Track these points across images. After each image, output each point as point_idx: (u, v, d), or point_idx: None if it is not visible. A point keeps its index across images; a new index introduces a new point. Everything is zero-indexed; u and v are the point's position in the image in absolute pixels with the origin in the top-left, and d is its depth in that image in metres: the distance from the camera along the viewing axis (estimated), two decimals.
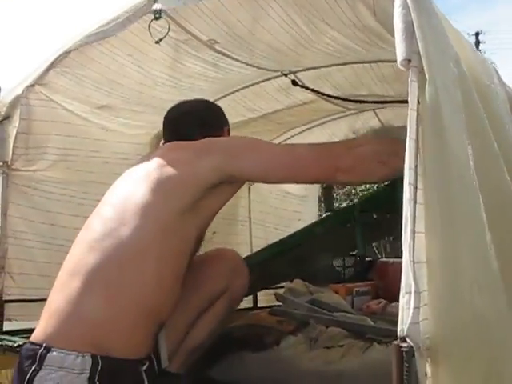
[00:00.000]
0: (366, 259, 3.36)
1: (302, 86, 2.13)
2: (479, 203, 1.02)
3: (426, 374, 0.96)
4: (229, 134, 1.74)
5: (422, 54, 1.03)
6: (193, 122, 1.70)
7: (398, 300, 2.90)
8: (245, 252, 2.59)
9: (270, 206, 3.26)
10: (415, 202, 0.99)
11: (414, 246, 0.98)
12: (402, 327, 0.96)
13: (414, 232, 0.98)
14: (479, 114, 1.17)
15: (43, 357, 1.27)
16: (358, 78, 2.05)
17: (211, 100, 2.26)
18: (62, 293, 1.37)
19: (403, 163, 1.41)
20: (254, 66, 1.95)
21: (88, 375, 1.26)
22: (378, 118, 2.76)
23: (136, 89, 2.09)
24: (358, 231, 1.95)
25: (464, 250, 0.99)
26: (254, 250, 3.01)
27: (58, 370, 1.26)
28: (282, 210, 3.33)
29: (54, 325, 1.32)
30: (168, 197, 1.44)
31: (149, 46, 1.79)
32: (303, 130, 2.87)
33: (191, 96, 2.22)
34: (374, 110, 2.67)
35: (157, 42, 1.57)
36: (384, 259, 3.29)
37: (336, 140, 2.98)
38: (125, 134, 2.39)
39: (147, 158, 1.60)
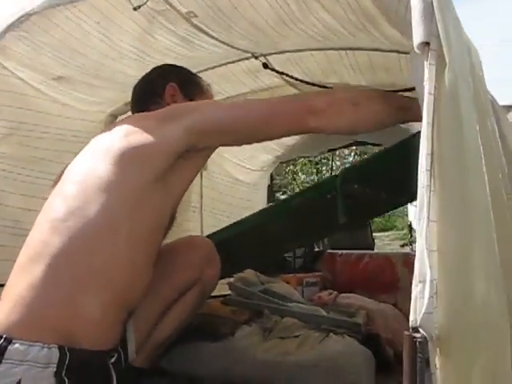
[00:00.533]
0: (315, 249, 3.38)
1: (273, 70, 2.07)
2: (488, 196, 1.01)
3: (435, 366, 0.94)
4: (179, 89, 1.67)
5: (442, 37, 0.99)
6: (142, 89, 1.69)
7: (346, 291, 2.92)
8: None
9: (220, 193, 3.18)
10: (430, 189, 0.96)
11: (429, 234, 0.94)
12: (415, 317, 0.93)
13: (429, 219, 0.94)
14: (487, 108, 1.16)
15: (3, 349, 1.13)
16: (330, 65, 2.01)
17: None
18: (23, 279, 1.23)
19: (376, 106, 1.42)
20: (228, 45, 1.87)
21: (54, 369, 1.14)
22: None
23: (98, 60, 1.95)
24: (339, 201, 1.87)
25: (476, 241, 0.97)
26: None
27: (20, 363, 1.12)
28: (231, 197, 3.26)
29: (16, 314, 1.19)
30: (134, 168, 1.34)
31: (121, 14, 1.67)
32: None
33: None
34: None
35: (135, 9, 1.46)
36: (332, 250, 3.31)
37: None
38: (79, 109, 2.24)
39: (107, 130, 1.49)
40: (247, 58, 2.09)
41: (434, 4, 1.00)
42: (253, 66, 2.14)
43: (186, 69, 1.75)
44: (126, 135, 1.37)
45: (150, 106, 1.59)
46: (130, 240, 1.29)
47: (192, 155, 1.41)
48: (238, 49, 1.93)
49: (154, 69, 1.76)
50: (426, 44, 1.01)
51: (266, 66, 2.07)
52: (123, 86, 2.12)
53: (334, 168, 18.13)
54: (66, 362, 1.15)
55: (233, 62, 2.11)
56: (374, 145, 3.15)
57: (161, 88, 1.66)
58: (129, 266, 1.29)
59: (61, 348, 1.15)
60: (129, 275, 1.29)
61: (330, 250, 3.34)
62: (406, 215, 19.40)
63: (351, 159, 19.84)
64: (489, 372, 0.97)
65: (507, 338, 1.02)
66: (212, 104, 1.53)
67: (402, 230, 16.86)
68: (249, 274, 2.79)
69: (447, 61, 0.98)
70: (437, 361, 0.94)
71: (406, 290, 2.99)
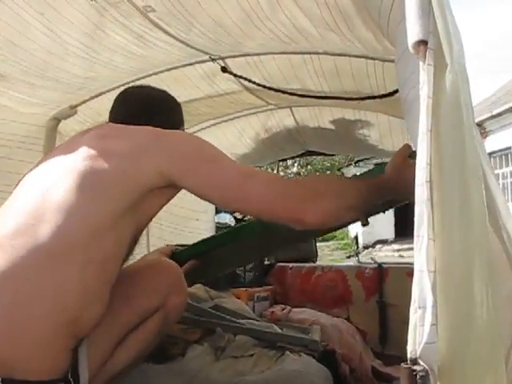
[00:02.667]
0: (265, 263, 3.27)
1: (232, 74, 1.95)
2: (485, 213, 0.93)
3: None
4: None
5: (441, 35, 0.90)
6: (146, 107, 1.46)
7: (297, 305, 2.81)
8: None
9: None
10: (431, 202, 0.86)
11: (430, 253, 0.84)
12: (415, 347, 0.83)
13: (429, 237, 0.84)
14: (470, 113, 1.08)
15: None
16: (293, 70, 1.91)
17: (126, 81, 2.02)
18: None
19: (369, 206, 1.30)
20: (186, 44, 1.73)
21: None
22: (294, 117, 2.66)
23: (41, 57, 1.77)
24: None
25: (477, 261, 0.88)
26: (151, 249, 2.79)
27: None
28: (179, 208, 3.12)
29: None
30: (100, 196, 1.20)
31: (68, 4, 1.51)
32: (211, 125, 2.68)
33: (102, 73, 1.95)
34: (290, 107, 2.56)
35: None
36: (282, 263, 3.21)
37: (246, 136, 2.86)
38: (18, 111, 2.04)
39: (74, 142, 1.34)
40: (204, 61, 1.96)
41: None
42: (209, 69, 2.01)
43: None
44: (97, 156, 1.23)
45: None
46: (84, 267, 1.16)
47: (168, 187, 1.27)
48: (195, 49, 1.79)
49: (169, 98, 1.56)
50: (422, 43, 0.92)
51: (224, 69, 1.95)
52: (68, 87, 1.95)
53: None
54: None
55: (189, 65, 1.97)
56: (325, 155, 3.08)
57: (174, 125, 1.47)
58: (81, 293, 1.16)
59: None
60: (80, 302, 1.16)
61: (280, 263, 3.24)
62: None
63: (295, 170, 20.07)
64: None
65: (503, 365, 0.94)
66: (201, 164, 1.27)
67: (343, 239, 17.09)
68: (198, 289, 2.65)
69: (448, 61, 0.89)
70: None
71: (358, 304, 2.95)
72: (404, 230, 17.33)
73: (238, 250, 2.00)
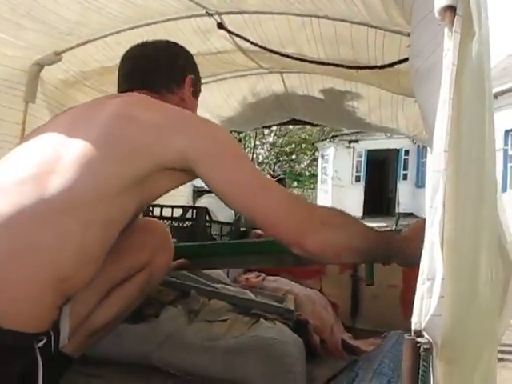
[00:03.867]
0: (241, 229, 3.25)
1: (227, 31, 1.88)
2: (495, 192, 0.91)
3: None
4: (192, 85, 1.46)
5: (471, 1, 0.86)
6: (157, 67, 1.42)
7: (271, 274, 2.79)
8: None
9: None
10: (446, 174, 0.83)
11: (443, 224, 0.81)
12: (420, 319, 0.81)
13: (444, 206, 0.82)
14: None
15: None
16: (290, 33, 1.85)
17: (116, 30, 1.93)
18: None
19: (372, 256, 1.28)
20: None
21: None
22: (284, 83, 2.61)
23: None
24: None
25: (485, 236, 0.87)
26: None
27: None
28: None
29: None
30: (116, 158, 1.16)
31: None
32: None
33: (93, 19, 1.87)
34: (281, 73, 2.51)
35: None
36: (258, 230, 3.18)
37: (233, 99, 2.80)
38: (0, 53, 1.94)
39: (101, 103, 1.29)
40: (200, 15, 1.88)
41: None
42: (205, 25, 1.94)
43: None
44: (126, 121, 1.20)
45: (163, 91, 1.40)
46: (87, 226, 1.12)
47: (181, 172, 1.23)
48: (193, 1, 1.72)
49: (173, 46, 1.51)
50: (450, 8, 0.88)
51: (220, 25, 1.88)
52: (56, 32, 1.86)
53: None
54: None
55: (184, 18, 1.89)
56: (311, 124, 3.05)
57: (181, 76, 1.44)
58: (78, 252, 1.12)
59: None
60: (76, 262, 1.12)
61: (256, 230, 3.21)
62: (315, 200, 19.84)
63: (271, 140, 20.04)
64: (487, 378, 0.88)
65: (497, 341, 0.94)
66: (226, 162, 1.22)
67: None
68: None
69: (476, 29, 0.86)
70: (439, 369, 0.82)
71: (331, 276, 2.95)
72: (373, 208, 17.62)
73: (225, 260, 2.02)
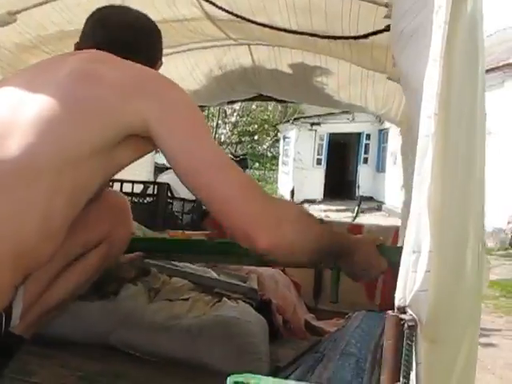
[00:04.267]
0: (203, 207, 3.17)
1: None
2: (484, 160, 0.86)
3: None
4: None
5: None
6: (136, 44, 1.28)
7: None
8: None
9: None
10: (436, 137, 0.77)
11: (431, 192, 0.75)
12: (404, 295, 0.75)
13: (432, 172, 0.76)
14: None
15: None
16: (262, 2, 1.77)
17: None
18: None
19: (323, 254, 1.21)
20: None
21: None
22: (252, 56, 2.52)
23: None
24: None
25: (472, 208, 0.81)
26: None
27: None
28: None
29: None
30: (81, 121, 1.05)
31: None
32: (163, 55, 2.50)
33: None
34: (249, 45, 2.42)
35: None
36: None
37: (198, 71, 2.70)
38: None
39: (61, 60, 1.17)
40: None
41: None
42: None
43: None
44: (89, 78, 1.08)
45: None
46: (52, 196, 1.02)
47: (140, 141, 1.12)
48: None
49: (152, 25, 1.37)
50: None
51: None
52: None
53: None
54: None
55: None
56: (278, 101, 2.98)
57: (155, 59, 1.33)
58: (42, 224, 1.02)
59: None
60: (39, 235, 1.02)
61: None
62: (276, 182, 19.99)
63: (233, 119, 19.91)
64: (470, 359, 0.84)
65: (479, 320, 0.90)
66: (188, 131, 1.11)
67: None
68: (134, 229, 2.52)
69: None
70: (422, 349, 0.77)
71: None
72: (333, 191, 17.79)
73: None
